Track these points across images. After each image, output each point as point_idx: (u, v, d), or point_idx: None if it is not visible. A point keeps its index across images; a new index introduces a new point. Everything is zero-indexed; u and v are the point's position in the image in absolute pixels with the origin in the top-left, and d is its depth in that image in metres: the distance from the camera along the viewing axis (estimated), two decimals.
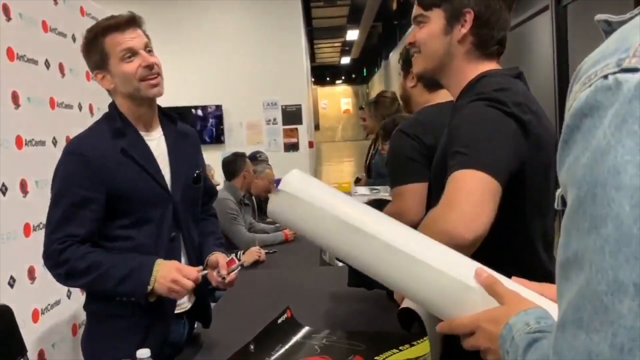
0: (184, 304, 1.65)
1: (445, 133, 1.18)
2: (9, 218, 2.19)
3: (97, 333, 1.57)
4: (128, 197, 1.50)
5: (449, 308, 0.81)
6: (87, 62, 1.56)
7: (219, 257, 1.62)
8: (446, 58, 1.19)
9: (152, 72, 1.51)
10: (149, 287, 1.44)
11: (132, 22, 1.52)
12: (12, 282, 2.21)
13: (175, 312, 1.60)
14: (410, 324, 1.04)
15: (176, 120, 1.69)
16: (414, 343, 1.46)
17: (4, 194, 2.19)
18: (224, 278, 1.55)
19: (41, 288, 2.38)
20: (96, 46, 1.51)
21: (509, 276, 0.85)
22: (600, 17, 0.52)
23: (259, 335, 1.48)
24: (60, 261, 1.45)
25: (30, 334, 2.28)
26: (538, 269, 1.11)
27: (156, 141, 1.60)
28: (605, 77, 0.44)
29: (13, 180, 2.24)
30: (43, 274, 2.42)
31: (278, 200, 0.96)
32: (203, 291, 1.71)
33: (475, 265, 0.83)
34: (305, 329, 1.65)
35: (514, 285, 0.81)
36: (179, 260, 1.58)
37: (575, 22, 3.72)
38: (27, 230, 2.30)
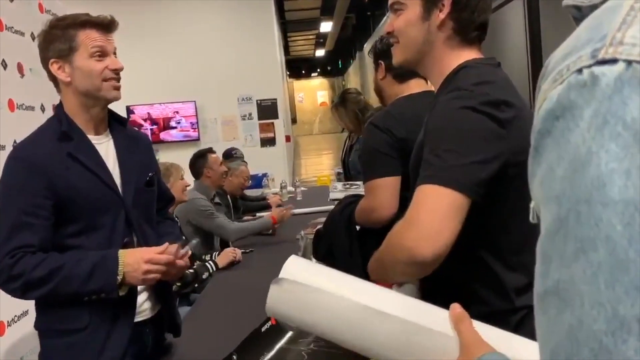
0: (145, 311, 1.57)
1: (422, 129, 1.12)
2: None
3: (50, 351, 1.49)
4: (77, 202, 1.43)
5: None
6: (45, 49, 1.47)
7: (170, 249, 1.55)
8: (426, 46, 1.13)
9: (117, 76, 1.50)
10: (119, 278, 1.39)
11: (112, 25, 1.51)
12: None
13: (137, 320, 1.52)
14: None
15: (126, 124, 1.64)
16: None
17: None
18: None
19: (6, 299, 2.27)
20: (66, 35, 1.44)
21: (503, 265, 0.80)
22: (568, 1, 0.45)
23: (242, 345, 1.42)
24: (14, 275, 1.36)
25: None
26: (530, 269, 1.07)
27: (105, 144, 1.55)
28: (579, 71, 0.37)
29: None
30: None
31: (279, 292, 0.83)
32: (167, 296, 1.64)
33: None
34: (290, 334, 1.59)
35: (481, 326, 0.77)
36: None
37: (548, 8, 3.70)
38: None
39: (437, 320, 0.78)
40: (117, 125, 1.59)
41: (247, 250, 3.05)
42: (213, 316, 2.03)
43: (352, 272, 0.89)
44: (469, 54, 1.13)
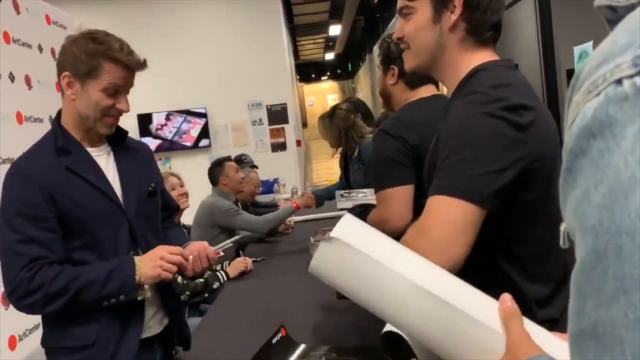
0: (153, 326, 1.55)
1: (436, 135, 1.08)
2: None
3: None
4: (78, 216, 1.40)
5: (473, 355, 0.72)
6: (65, 58, 1.44)
7: (200, 243, 1.58)
8: (438, 50, 1.09)
9: (118, 115, 1.49)
10: (137, 278, 1.39)
11: (140, 68, 1.49)
12: None
13: (144, 336, 1.50)
14: (394, 348, 0.95)
15: (126, 135, 1.61)
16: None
17: None
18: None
19: (17, 313, 2.26)
20: (91, 60, 1.41)
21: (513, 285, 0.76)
22: (601, 2, 0.40)
23: (253, 359, 1.39)
24: (32, 289, 1.33)
25: None
26: (551, 277, 1.04)
27: (104, 157, 1.52)
28: (619, 82, 0.33)
29: None
30: None
31: (328, 251, 0.77)
32: (176, 311, 1.62)
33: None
34: (302, 347, 1.56)
35: (532, 325, 0.72)
36: None
37: (560, 6, 3.64)
38: None
39: (487, 311, 0.73)
40: (116, 136, 1.56)
41: (259, 259, 3.01)
42: (224, 327, 2.00)
43: None
44: (484, 56, 1.09)
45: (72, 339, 1.42)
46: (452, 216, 0.92)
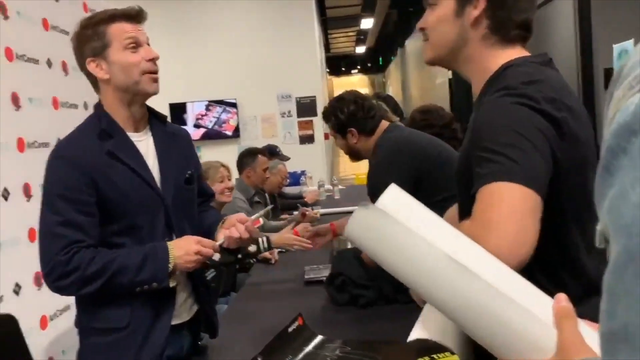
0: (183, 313, 1.56)
1: (468, 132, 1.06)
2: (12, 223, 2.13)
3: (89, 349, 1.49)
4: (118, 200, 1.42)
5: (520, 348, 0.68)
6: (80, 50, 1.47)
7: (237, 215, 1.58)
8: (458, 44, 1.07)
9: (154, 67, 1.47)
10: (170, 266, 1.40)
11: (141, 15, 1.49)
12: (17, 290, 2.15)
13: (174, 323, 1.51)
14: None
15: (165, 120, 1.62)
16: (434, 357, 1.36)
17: (5, 198, 2.13)
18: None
19: (49, 294, 2.31)
20: (98, 33, 1.43)
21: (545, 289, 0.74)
22: None
23: (267, 348, 1.40)
24: (68, 271, 1.35)
25: (38, 341, 2.23)
26: (581, 277, 1.00)
27: (145, 142, 1.53)
28: None
29: (15, 184, 2.18)
30: None
31: (365, 217, 0.74)
32: (205, 299, 1.63)
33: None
34: (318, 338, 1.55)
35: (586, 327, 0.69)
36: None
37: (600, 3, 3.53)
38: (32, 235, 2.24)
39: (539, 305, 0.69)
40: (156, 122, 1.58)
41: (284, 250, 3.02)
42: (249, 316, 2.02)
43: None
44: (510, 54, 1.05)
45: (105, 321, 1.45)
46: (514, 201, 0.86)
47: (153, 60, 1.46)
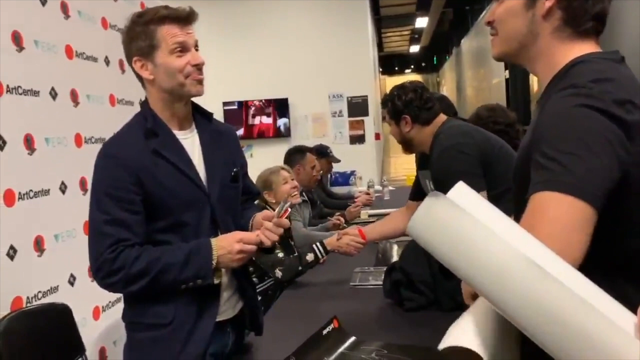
0: (227, 310, 1.56)
1: (530, 130, 1.00)
2: (68, 216, 2.20)
3: (135, 343, 1.51)
4: (164, 198, 1.43)
5: None
6: (128, 46, 1.48)
7: (264, 212, 1.58)
8: (528, 38, 1.02)
9: (199, 73, 1.47)
10: (214, 263, 1.41)
11: (191, 17, 1.47)
12: (72, 280, 2.22)
13: (218, 319, 1.52)
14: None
15: (211, 118, 1.62)
16: None
17: (63, 192, 2.20)
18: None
19: None
20: (147, 32, 1.44)
21: None
22: None
23: (300, 348, 1.38)
24: (114, 270, 1.38)
25: (91, 331, 2.29)
26: None
27: (190, 140, 1.53)
28: None
29: (73, 178, 2.25)
30: None
31: (433, 210, 0.69)
32: (250, 296, 1.63)
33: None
34: (352, 339, 1.52)
35: None
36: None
37: None
38: (86, 228, 2.29)
39: (618, 314, 0.64)
40: (202, 119, 1.58)
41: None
42: (293, 315, 2.01)
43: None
44: (583, 48, 0.99)
45: (150, 316, 1.46)
46: (565, 213, 0.82)
47: (198, 65, 1.46)
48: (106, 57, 2.59)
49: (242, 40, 7.15)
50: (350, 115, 7.41)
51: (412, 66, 28.00)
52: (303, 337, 1.41)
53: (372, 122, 7.66)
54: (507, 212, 0.78)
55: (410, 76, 28.40)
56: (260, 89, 7.23)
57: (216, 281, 1.45)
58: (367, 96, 7.44)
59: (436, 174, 2.05)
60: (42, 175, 2.08)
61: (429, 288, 1.87)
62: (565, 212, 0.82)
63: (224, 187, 1.54)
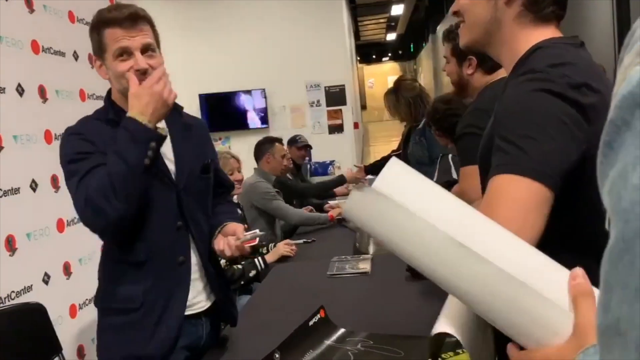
0: (200, 302, 1.56)
1: (493, 115, 1.02)
2: (40, 214, 2.17)
3: (107, 327, 1.52)
4: None
5: (536, 334, 0.64)
6: (91, 41, 1.47)
7: (236, 226, 1.54)
8: (493, 25, 1.03)
9: (143, 76, 1.39)
10: (143, 121, 1.33)
11: (133, 18, 1.39)
12: (46, 279, 2.20)
13: (191, 312, 1.52)
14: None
15: (181, 111, 1.61)
16: (459, 351, 1.32)
17: (34, 190, 2.16)
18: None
19: (78, 283, 2.37)
20: (97, 34, 1.42)
21: None
22: None
23: (286, 341, 1.38)
24: (87, 199, 1.33)
25: (68, 329, 2.27)
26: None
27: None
28: None
29: (43, 176, 2.22)
30: (79, 269, 2.41)
31: (361, 201, 0.74)
32: (223, 288, 1.64)
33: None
34: (340, 332, 1.54)
35: None
36: (188, 253, 1.51)
37: None
38: (60, 225, 2.28)
39: (554, 282, 0.65)
40: (172, 112, 1.53)
41: (310, 240, 3.01)
42: (271, 307, 2.01)
43: None
44: (544, 33, 1.00)
45: (120, 301, 1.47)
46: (521, 195, 0.84)
47: (141, 70, 1.39)
48: (75, 52, 2.54)
49: (217, 31, 7.07)
50: (328, 105, 7.38)
51: (390, 54, 28.03)
52: (283, 329, 1.41)
53: (351, 111, 7.65)
54: None
55: (388, 64, 28.43)
56: (237, 80, 7.16)
57: (164, 133, 1.39)
58: (344, 85, 7.42)
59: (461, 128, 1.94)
60: (11, 174, 2.04)
61: None
62: (522, 193, 0.84)
63: (192, 177, 1.53)
